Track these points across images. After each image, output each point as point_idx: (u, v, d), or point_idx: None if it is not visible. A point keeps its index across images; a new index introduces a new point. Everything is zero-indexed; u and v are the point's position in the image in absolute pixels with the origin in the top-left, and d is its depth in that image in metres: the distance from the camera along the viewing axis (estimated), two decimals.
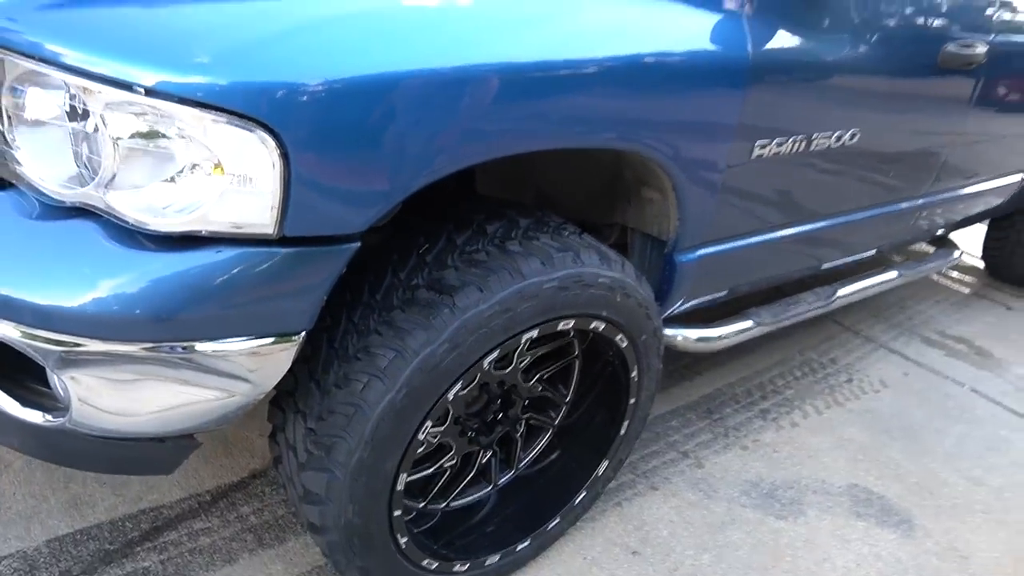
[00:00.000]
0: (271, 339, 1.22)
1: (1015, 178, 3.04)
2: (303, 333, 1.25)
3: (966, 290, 3.83)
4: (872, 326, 3.23)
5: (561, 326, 1.46)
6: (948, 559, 2.03)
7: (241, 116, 1.06)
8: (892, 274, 2.74)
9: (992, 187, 2.94)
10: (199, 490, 1.87)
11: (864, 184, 2.27)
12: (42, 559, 1.63)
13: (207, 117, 1.06)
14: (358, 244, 1.23)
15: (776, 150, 1.78)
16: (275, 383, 1.28)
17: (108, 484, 1.83)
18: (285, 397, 1.43)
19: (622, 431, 1.75)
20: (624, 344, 1.61)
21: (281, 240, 1.15)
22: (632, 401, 1.72)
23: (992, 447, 2.54)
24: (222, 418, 1.29)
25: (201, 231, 1.12)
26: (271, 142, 1.08)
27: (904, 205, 2.54)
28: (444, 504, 1.70)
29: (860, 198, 2.30)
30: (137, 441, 1.30)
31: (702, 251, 1.85)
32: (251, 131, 1.07)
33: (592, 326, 1.52)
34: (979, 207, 3.06)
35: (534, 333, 1.42)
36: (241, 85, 1.05)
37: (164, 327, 1.13)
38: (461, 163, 1.26)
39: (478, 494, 1.76)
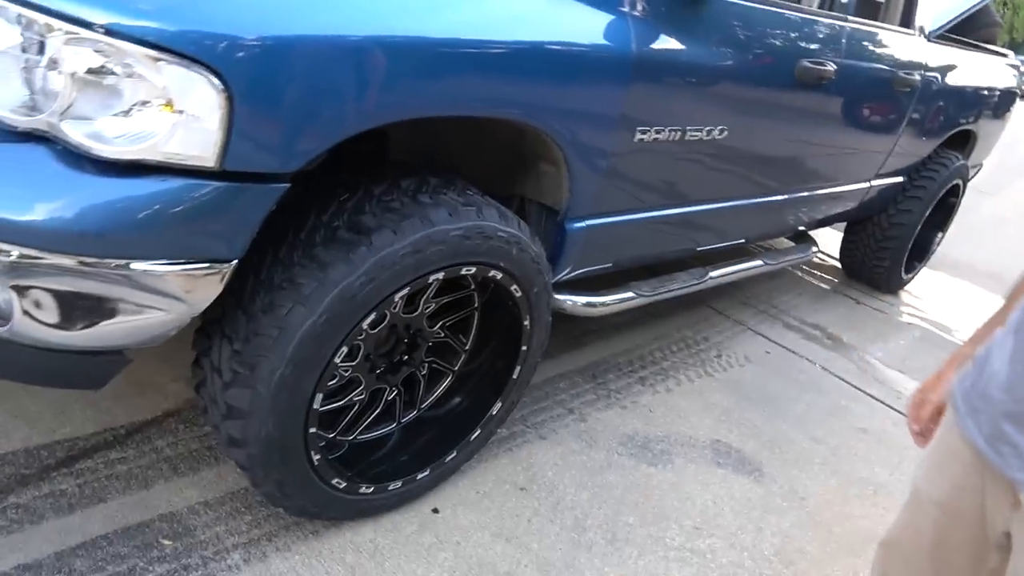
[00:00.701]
0: (205, 264, 1.37)
1: (863, 185, 3.47)
2: (234, 261, 1.41)
3: (824, 286, 4.29)
4: (741, 311, 3.60)
5: (464, 271, 1.67)
6: (790, 499, 2.35)
7: (192, 60, 1.21)
8: (757, 262, 3.09)
9: (843, 191, 3.35)
10: (113, 424, 1.96)
11: (732, 176, 2.59)
12: None
13: (162, 58, 1.21)
14: (287, 185, 1.39)
15: (655, 137, 2.05)
16: (206, 305, 1.43)
17: (21, 417, 1.90)
18: (211, 325, 1.57)
19: (515, 375, 1.98)
20: (518, 294, 1.83)
21: (221, 174, 1.30)
22: (524, 348, 1.95)
23: (833, 413, 2.92)
24: (155, 336, 1.43)
25: (148, 160, 1.26)
26: (218, 84, 1.23)
27: (768, 199, 2.88)
28: (352, 436, 1.87)
29: (729, 189, 2.62)
30: (72, 354, 1.41)
31: (590, 222, 2.10)
32: (201, 74, 1.22)
33: (491, 275, 1.74)
34: (833, 209, 3.47)
35: (440, 275, 1.62)
36: (195, 32, 1.20)
37: (105, 244, 1.26)
38: (378, 120, 1.45)
39: (383, 429, 1.94)
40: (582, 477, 2.22)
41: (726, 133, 2.29)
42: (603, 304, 2.41)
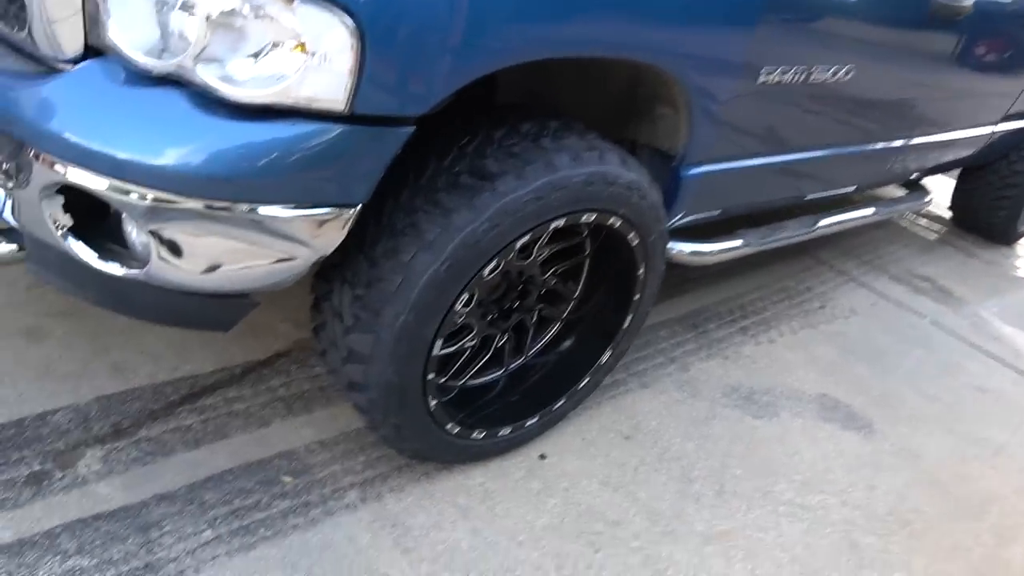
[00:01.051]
0: (331, 209, 1.37)
1: (987, 129, 3.23)
2: (359, 206, 1.40)
3: (933, 236, 4.07)
4: (845, 262, 3.45)
5: (584, 218, 1.62)
6: (902, 457, 2.27)
7: (325, 0, 1.18)
8: (869, 210, 2.94)
9: (966, 136, 3.14)
10: (230, 364, 2.02)
11: (853, 121, 2.44)
12: (93, 413, 1.77)
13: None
14: (414, 128, 1.36)
15: (779, 78, 1.93)
16: (331, 250, 1.43)
17: (146, 354, 1.98)
18: (331, 270, 1.58)
19: (626, 324, 1.94)
20: (636, 242, 1.78)
21: (350, 117, 1.28)
22: (637, 296, 1.90)
23: (946, 370, 2.79)
24: (280, 280, 1.44)
25: (279, 103, 1.25)
26: (351, 25, 1.20)
27: (885, 145, 2.72)
28: (462, 382, 1.87)
29: (848, 134, 2.48)
30: (202, 296, 1.44)
31: (705, 168, 2.01)
32: (333, 14, 1.19)
33: (610, 222, 1.69)
34: (953, 154, 3.26)
35: (561, 222, 1.58)
36: None
37: (236, 188, 1.26)
38: (508, 60, 1.39)
39: (491, 376, 1.94)
40: (686, 427, 2.19)
41: (852, 74, 2.15)
42: (710, 252, 2.33)
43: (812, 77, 2.04)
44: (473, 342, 1.82)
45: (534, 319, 1.93)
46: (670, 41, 1.63)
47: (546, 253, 1.79)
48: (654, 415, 2.20)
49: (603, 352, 1.96)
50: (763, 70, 1.88)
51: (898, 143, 2.78)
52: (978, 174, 3.76)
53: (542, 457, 1.96)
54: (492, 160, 1.51)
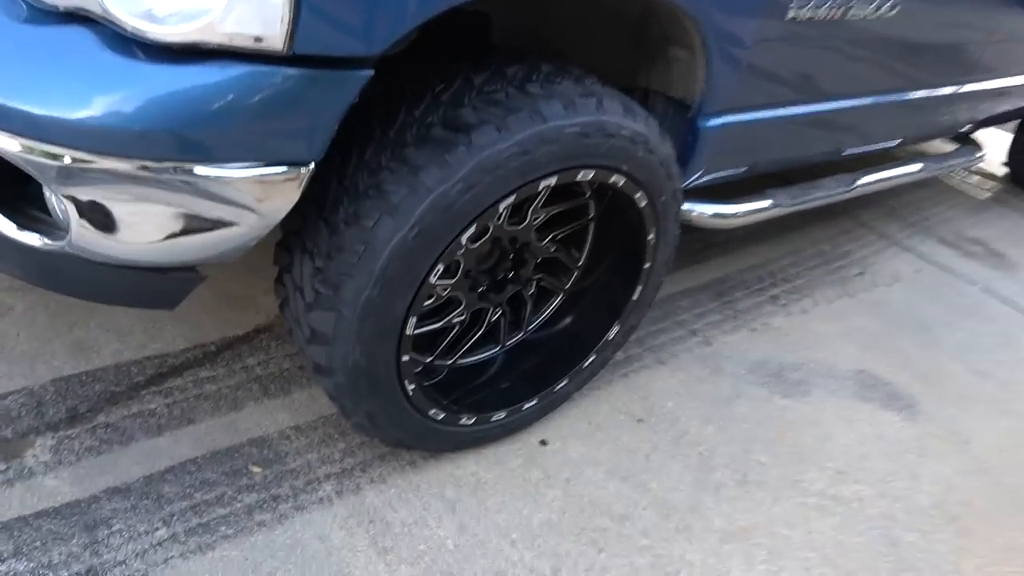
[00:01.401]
0: (279, 168, 1.17)
1: None
2: (312, 164, 1.20)
3: (985, 195, 3.75)
4: (887, 223, 3.17)
5: (580, 176, 1.41)
6: (950, 442, 2.04)
7: None
8: (916, 166, 2.66)
9: (1021, 85, 2.82)
10: (203, 341, 1.86)
11: (896, 64, 2.17)
12: (48, 396, 1.63)
13: None
14: (371, 72, 1.16)
15: (812, 14, 1.68)
16: (281, 216, 1.24)
17: (112, 331, 1.82)
18: (292, 237, 1.39)
19: (635, 296, 1.72)
20: (643, 204, 1.56)
21: (291, 59, 1.08)
22: (647, 265, 1.68)
23: (1001, 343, 2.53)
24: (227, 251, 1.26)
25: (205, 43, 1.05)
26: None
27: (933, 93, 2.44)
28: (451, 361, 1.68)
29: (890, 79, 2.21)
30: (138, 270, 1.26)
31: (726, 118, 1.77)
32: None
33: (612, 180, 1.47)
34: (1007, 105, 2.95)
35: (552, 181, 1.37)
36: None
37: (162, 145, 1.07)
38: None
39: (486, 353, 1.75)
40: (707, 408, 1.98)
41: (897, 10, 1.88)
42: (735, 215, 2.10)
43: (850, 12, 1.78)
44: (462, 317, 1.63)
45: (532, 291, 1.73)
46: None
47: (543, 216, 1.58)
48: (671, 395, 2.00)
49: (610, 327, 1.75)
50: (792, 4, 1.63)
51: (947, 91, 2.49)
52: None
53: (543, 443, 1.78)
54: (470, 109, 1.30)
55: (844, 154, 2.36)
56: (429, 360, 1.64)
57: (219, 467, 1.56)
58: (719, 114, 1.75)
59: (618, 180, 1.48)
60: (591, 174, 1.42)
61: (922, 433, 2.05)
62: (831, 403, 2.10)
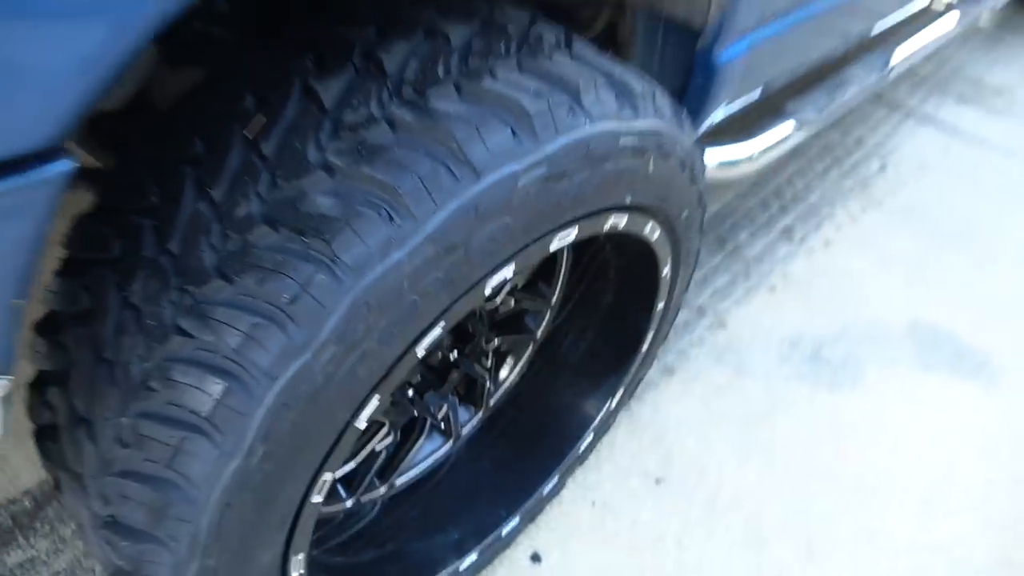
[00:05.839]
0: None
1: None
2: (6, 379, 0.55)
3: (992, 24, 3.12)
4: (897, 88, 2.55)
5: (555, 244, 0.77)
6: None
7: None
8: (953, 17, 2.01)
9: None
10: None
11: None
12: None
13: None
14: (70, 165, 0.49)
15: None
16: None
17: None
18: (46, 432, 0.75)
19: (644, 345, 1.13)
20: (656, 236, 0.93)
21: None
22: (661, 305, 1.08)
23: None
24: None
25: None
26: None
27: None
28: (387, 487, 1.09)
29: None
30: None
31: (753, 36, 1.11)
32: None
33: (607, 226, 0.83)
34: None
35: (507, 273, 0.73)
36: None
37: None
38: None
39: (432, 458, 1.16)
40: (740, 436, 1.45)
41: None
42: (750, 157, 1.44)
43: None
44: (388, 439, 1.03)
45: (489, 363, 1.12)
46: None
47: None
48: (690, 426, 1.45)
49: (612, 395, 1.17)
50: None
51: None
52: None
53: (535, 559, 1.24)
54: (322, 176, 0.63)
55: (874, 33, 1.71)
56: (350, 504, 1.05)
57: None
58: (744, 35, 1.08)
59: (617, 222, 0.84)
60: (570, 236, 0.78)
61: (1008, 409, 1.57)
62: (892, 383, 1.59)
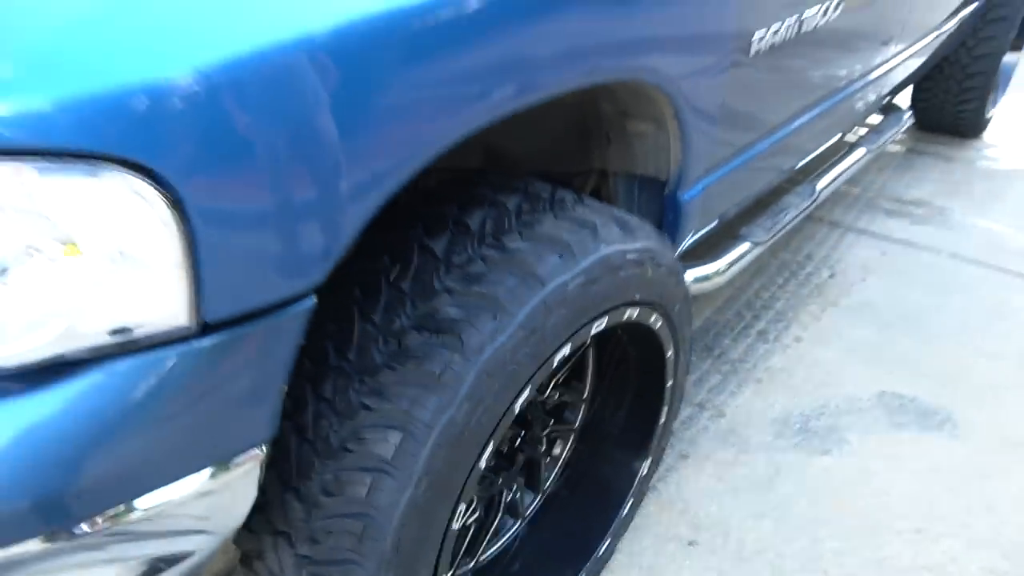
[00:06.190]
0: (219, 467, 0.82)
1: (953, 20, 2.83)
2: (264, 445, 0.86)
3: (900, 148, 3.69)
4: (831, 209, 3.02)
5: (594, 329, 1.11)
6: (1003, 451, 1.86)
7: (88, 157, 0.63)
8: (860, 151, 2.50)
9: (935, 37, 2.73)
10: None
11: (840, 62, 1.99)
12: None
13: (29, 170, 0.63)
14: (312, 301, 0.83)
15: (772, 40, 1.45)
16: (243, 518, 0.89)
17: None
18: (254, 514, 1.03)
19: (662, 419, 1.44)
20: (659, 324, 1.27)
21: (203, 328, 0.74)
22: (670, 383, 1.40)
23: (994, 312, 2.40)
24: None
25: (66, 354, 0.70)
26: (150, 189, 0.66)
27: (868, 77, 2.28)
28: (472, 563, 1.35)
29: (834, 81, 2.02)
30: None
31: (706, 180, 1.52)
32: (113, 177, 0.64)
33: (625, 316, 1.17)
34: (929, 56, 2.85)
35: (566, 350, 1.06)
36: (75, 105, 0.61)
37: (56, 507, 0.72)
38: (437, 148, 0.87)
39: (505, 536, 1.43)
40: (753, 499, 1.72)
41: (840, 8, 1.69)
42: (717, 272, 1.83)
43: (804, 26, 1.56)
44: (475, 515, 1.30)
45: (543, 448, 1.42)
46: (648, 46, 1.12)
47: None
48: (710, 496, 1.73)
49: (641, 463, 1.46)
50: (755, 36, 1.39)
51: (880, 70, 2.34)
52: (937, 70, 3.37)
53: None
54: (445, 296, 0.97)
55: (796, 168, 2.16)
56: None
57: None
58: (699, 180, 1.49)
59: (632, 313, 1.19)
60: (603, 322, 1.12)
61: (974, 450, 1.87)
62: (871, 444, 1.88)
